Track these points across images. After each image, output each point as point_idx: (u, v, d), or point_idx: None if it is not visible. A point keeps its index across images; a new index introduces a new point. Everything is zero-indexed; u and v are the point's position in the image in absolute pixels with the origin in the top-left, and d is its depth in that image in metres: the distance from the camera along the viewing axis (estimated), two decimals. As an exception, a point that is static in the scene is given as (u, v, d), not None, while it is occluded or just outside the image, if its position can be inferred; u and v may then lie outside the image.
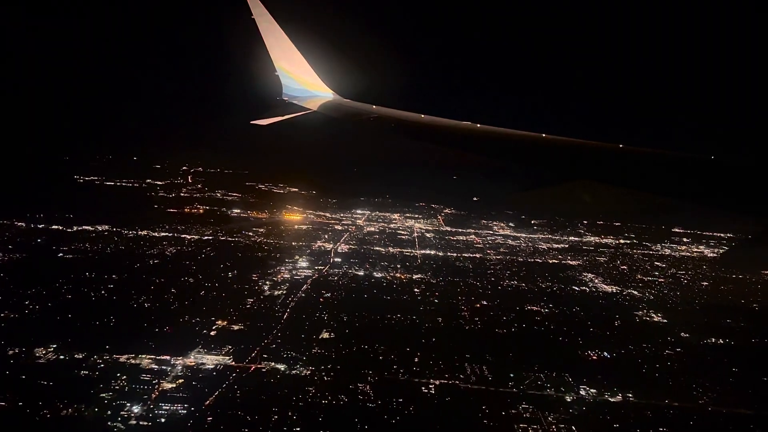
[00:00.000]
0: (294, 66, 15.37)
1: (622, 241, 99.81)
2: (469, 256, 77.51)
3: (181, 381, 32.97)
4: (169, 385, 32.29)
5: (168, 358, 35.70)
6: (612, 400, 35.96)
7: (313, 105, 14.70)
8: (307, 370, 36.01)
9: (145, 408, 29.62)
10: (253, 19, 13.88)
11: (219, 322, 42.81)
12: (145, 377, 33.03)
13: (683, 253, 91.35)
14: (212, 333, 40.70)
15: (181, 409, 29.79)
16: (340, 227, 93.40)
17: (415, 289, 58.05)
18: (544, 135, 9.35)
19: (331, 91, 15.78)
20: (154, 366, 34.56)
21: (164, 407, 29.88)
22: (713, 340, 48.22)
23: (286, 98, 15.44)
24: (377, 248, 78.27)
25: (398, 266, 68.09)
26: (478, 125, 10.57)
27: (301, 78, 15.60)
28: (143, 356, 35.51)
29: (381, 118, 12.54)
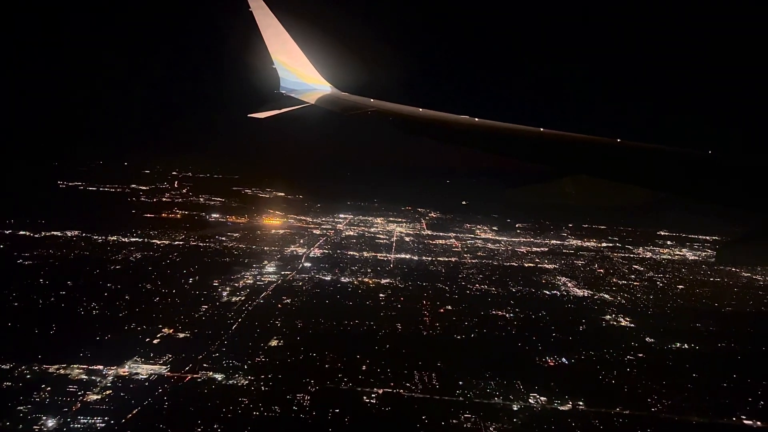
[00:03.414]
0: (291, 59, 15.11)
1: (604, 244, 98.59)
2: (444, 261, 76.45)
3: (108, 392, 31.78)
4: (94, 397, 31.11)
5: (101, 367, 34.53)
6: (561, 408, 34.77)
7: (311, 98, 14.42)
8: (246, 380, 34.85)
9: (60, 422, 28.44)
10: (251, 11, 13.68)
11: (165, 329, 41.69)
12: (71, 388, 31.85)
13: (664, 257, 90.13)
14: (155, 341, 39.56)
15: (99, 423, 28.57)
16: (318, 231, 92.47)
17: (381, 294, 56.88)
18: (541, 129, 9.13)
19: (329, 85, 15.41)
20: (83, 376, 33.41)
21: (82, 421, 28.67)
22: (678, 344, 46.99)
23: (283, 91, 15.13)
24: (351, 253, 77.20)
25: (369, 271, 66.99)
26: (476, 119, 10.32)
27: (298, 71, 15.32)
28: (75, 366, 34.36)
29: (379, 112, 12.19)
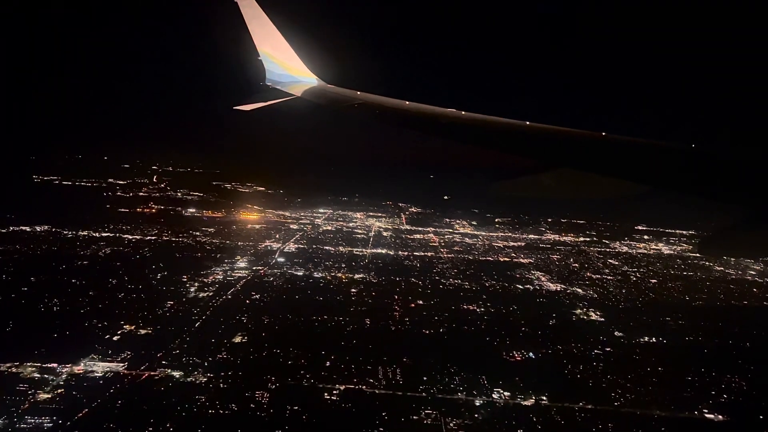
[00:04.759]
0: (278, 51, 14.96)
1: (581, 238, 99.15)
2: (420, 255, 76.20)
3: (60, 391, 30.95)
4: (45, 396, 30.27)
5: (55, 365, 33.59)
6: (523, 403, 34.57)
7: (297, 91, 14.36)
8: (204, 377, 34.19)
9: (7, 422, 27.58)
10: (236, 3, 13.56)
11: (126, 326, 40.81)
12: (22, 387, 30.94)
13: (640, 251, 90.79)
14: (115, 338, 38.68)
15: (47, 423, 27.80)
16: (296, 226, 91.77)
17: (352, 290, 56.42)
18: (527, 123, 9.11)
19: (315, 77, 15.28)
20: (36, 375, 32.47)
21: (29, 421, 27.82)
22: (646, 338, 47.19)
23: (269, 84, 14.97)
24: (327, 248, 76.69)
25: (343, 266, 66.50)
26: (463, 112, 10.30)
27: (284, 63, 15.18)
28: (28, 364, 33.39)
29: (365, 105, 12.15)
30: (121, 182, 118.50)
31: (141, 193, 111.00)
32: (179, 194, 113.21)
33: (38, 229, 71.50)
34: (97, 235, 72.16)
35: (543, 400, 35.01)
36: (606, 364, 41.37)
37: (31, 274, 51.52)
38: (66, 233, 71.05)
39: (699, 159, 6.77)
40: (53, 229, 71.78)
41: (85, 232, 72.55)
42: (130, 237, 72.84)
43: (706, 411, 35.15)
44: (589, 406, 34.62)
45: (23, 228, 70.84)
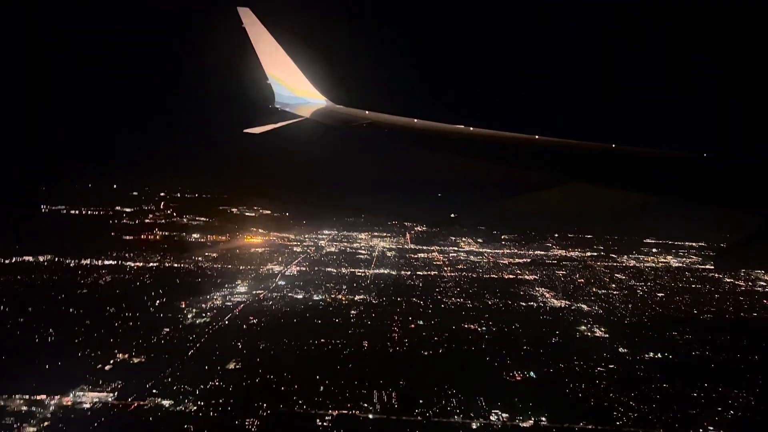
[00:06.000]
0: (286, 73, 15.21)
1: (588, 253, 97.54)
2: (423, 275, 75.30)
3: (45, 424, 30.56)
4: (31, 429, 29.89)
5: (43, 397, 33.24)
6: (522, 424, 33.63)
7: (306, 112, 14.61)
8: (195, 405, 33.63)
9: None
10: (244, 27, 13.83)
11: (120, 355, 40.46)
12: (7, 421, 30.60)
13: (648, 265, 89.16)
14: (107, 367, 38.31)
15: (29, 457, 27.43)
16: (299, 249, 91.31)
17: (352, 311, 55.72)
18: (537, 137, 9.06)
19: (324, 98, 15.49)
20: (23, 407, 32.13)
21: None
22: (651, 354, 45.86)
23: (278, 106, 15.21)
24: (329, 269, 76.13)
25: (344, 288, 65.82)
26: (471, 128, 10.30)
27: (293, 85, 15.42)
28: (16, 396, 33.07)
29: (373, 124, 12.25)
30: (128, 210, 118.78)
31: (147, 220, 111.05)
32: (185, 220, 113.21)
33: (41, 258, 71.75)
34: (98, 263, 72.31)
35: (542, 420, 34.04)
36: (609, 382, 40.21)
37: (29, 304, 51.52)
38: (68, 262, 71.29)
39: (710, 168, 6.60)
40: (56, 259, 72.01)
41: (87, 261, 72.72)
42: (132, 264, 72.91)
43: (712, 428, 33.92)
44: (590, 427, 33.60)
45: (26, 258, 71.13)
